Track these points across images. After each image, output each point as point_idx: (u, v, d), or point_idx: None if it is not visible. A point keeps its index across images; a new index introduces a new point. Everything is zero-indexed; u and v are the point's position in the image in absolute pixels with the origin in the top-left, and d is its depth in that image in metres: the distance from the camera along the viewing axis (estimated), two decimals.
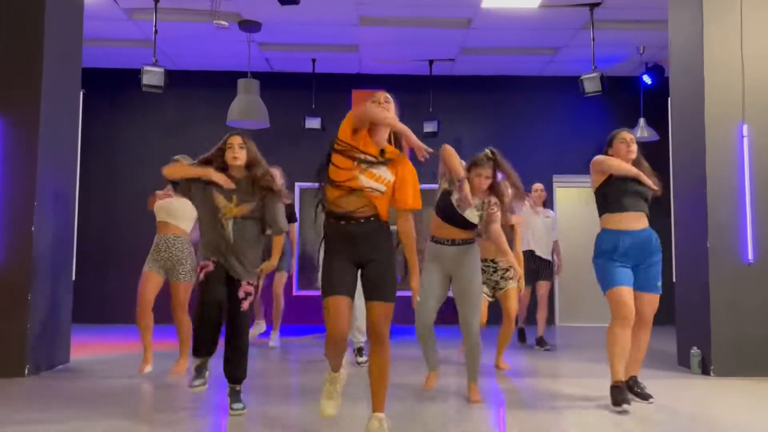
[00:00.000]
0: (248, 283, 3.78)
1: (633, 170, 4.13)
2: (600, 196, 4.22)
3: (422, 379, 4.66)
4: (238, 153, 3.83)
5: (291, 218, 6.68)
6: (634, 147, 4.20)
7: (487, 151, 4.26)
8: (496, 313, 5.85)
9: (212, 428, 3.65)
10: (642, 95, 9.18)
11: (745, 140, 5.29)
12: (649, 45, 8.46)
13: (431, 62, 9.14)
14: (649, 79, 8.94)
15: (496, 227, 4.22)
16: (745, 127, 5.31)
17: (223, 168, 3.84)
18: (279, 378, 5.24)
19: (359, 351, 5.59)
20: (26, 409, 3.95)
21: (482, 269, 5.00)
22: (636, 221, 4.09)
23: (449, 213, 4.16)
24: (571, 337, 8.06)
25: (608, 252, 4.07)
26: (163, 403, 4.26)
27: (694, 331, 5.40)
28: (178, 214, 5.07)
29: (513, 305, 5.36)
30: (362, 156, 3.09)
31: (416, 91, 9.48)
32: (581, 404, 4.17)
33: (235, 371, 3.78)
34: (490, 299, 5.39)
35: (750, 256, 5.21)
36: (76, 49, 5.90)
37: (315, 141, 9.23)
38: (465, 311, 4.12)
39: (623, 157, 4.18)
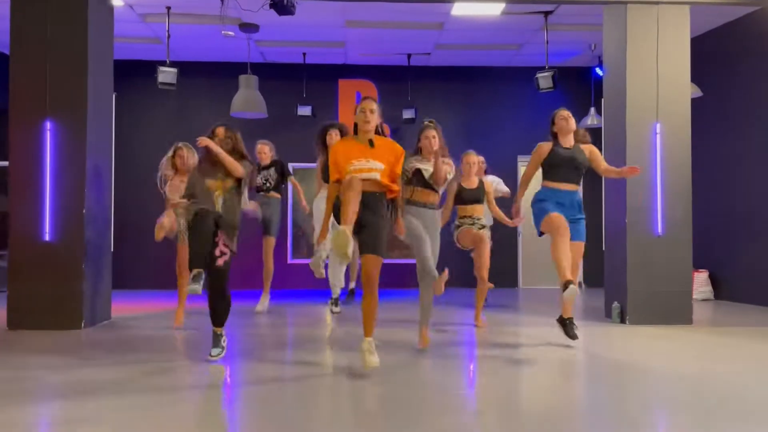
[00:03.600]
0: (224, 244, 4.58)
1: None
2: (543, 167, 5.30)
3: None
4: (223, 143, 4.80)
5: (284, 176, 7.49)
6: (572, 120, 5.20)
7: (426, 120, 5.35)
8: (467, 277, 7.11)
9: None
10: (593, 86, 10.39)
11: (658, 137, 6.57)
12: (599, 42, 9.61)
13: (409, 55, 10.28)
14: (601, 72, 10.12)
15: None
16: (658, 126, 6.58)
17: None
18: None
19: (335, 302, 7.28)
20: (83, 353, 5.20)
21: (461, 223, 6.30)
22: (567, 186, 5.16)
23: (422, 181, 5.20)
24: (529, 298, 9.44)
25: (545, 200, 5.16)
26: (179, 348, 5.52)
27: (615, 289, 6.74)
28: None
29: (485, 265, 6.38)
30: (355, 168, 4.33)
31: (396, 81, 10.64)
32: (519, 351, 5.49)
33: (214, 315, 4.73)
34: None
35: (659, 230, 6.54)
36: (108, 52, 6.86)
37: (306, 126, 10.39)
38: (429, 258, 5.05)
39: (564, 129, 5.19)
